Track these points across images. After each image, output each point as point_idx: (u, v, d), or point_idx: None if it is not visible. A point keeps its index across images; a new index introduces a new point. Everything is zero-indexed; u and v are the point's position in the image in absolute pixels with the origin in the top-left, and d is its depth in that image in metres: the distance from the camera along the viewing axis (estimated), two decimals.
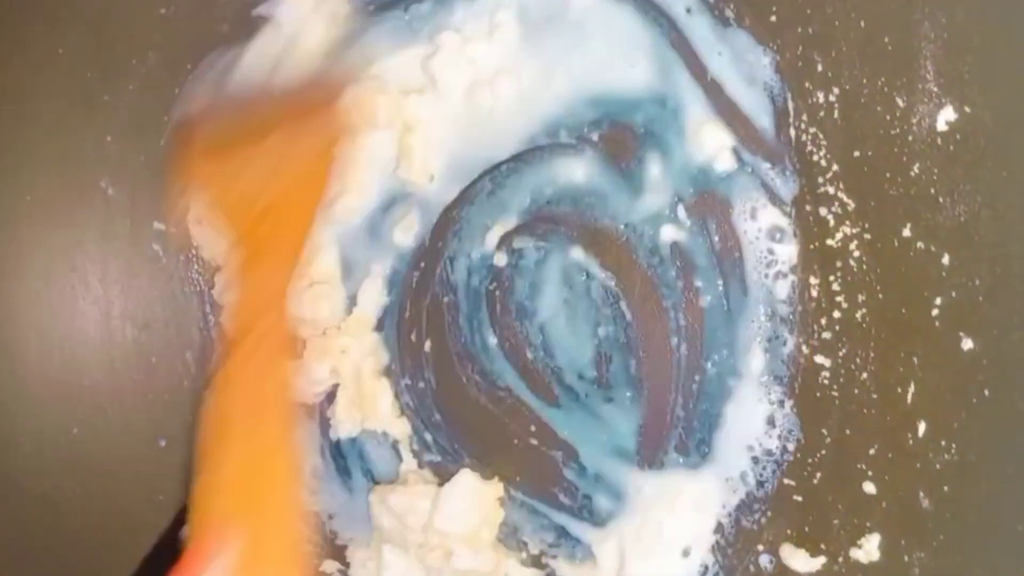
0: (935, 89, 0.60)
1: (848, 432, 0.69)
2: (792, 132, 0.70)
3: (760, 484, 0.73)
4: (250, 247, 0.73)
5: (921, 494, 0.63)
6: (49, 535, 0.82)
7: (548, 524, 0.78)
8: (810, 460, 0.71)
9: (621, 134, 0.75)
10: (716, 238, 0.73)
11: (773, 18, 0.68)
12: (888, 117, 0.63)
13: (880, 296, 0.66)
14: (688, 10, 0.72)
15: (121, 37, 0.82)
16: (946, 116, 0.60)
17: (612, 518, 0.76)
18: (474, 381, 0.79)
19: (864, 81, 0.64)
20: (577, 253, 0.76)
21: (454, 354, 0.80)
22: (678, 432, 0.75)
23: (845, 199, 0.67)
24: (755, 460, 0.73)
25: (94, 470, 0.85)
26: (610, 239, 0.75)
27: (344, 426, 0.82)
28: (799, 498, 0.72)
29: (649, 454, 0.76)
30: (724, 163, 0.72)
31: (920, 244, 0.63)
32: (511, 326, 0.79)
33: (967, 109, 0.58)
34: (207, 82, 0.79)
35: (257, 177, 0.72)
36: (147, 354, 0.88)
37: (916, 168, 0.62)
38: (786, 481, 0.71)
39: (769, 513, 0.73)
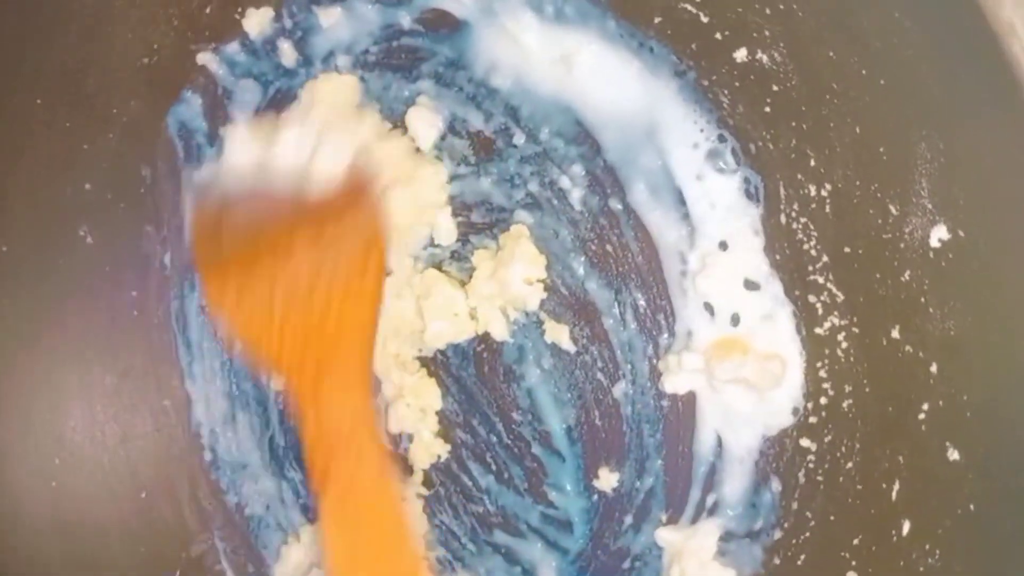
0: (929, 206, 0.61)
1: (832, 518, 0.70)
2: (783, 218, 0.71)
3: None
4: (308, 373, 0.67)
5: None
6: None
7: None
8: (794, 541, 0.72)
9: None
10: None
11: (767, 108, 0.69)
12: (880, 221, 0.64)
13: (867, 390, 0.68)
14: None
15: (103, 87, 0.80)
16: (939, 234, 0.60)
17: None
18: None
19: (857, 183, 0.65)
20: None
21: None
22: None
23: (834, 290, 0.69)
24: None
25: (76, 525, 0.84)
26: None
27: None
28: None
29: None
30: None
31: (908, 348, 0.64)
32: (499, 388, 0.80)
33: (961, 233, 0.59)
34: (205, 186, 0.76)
35: (294, 298, 0.67)
36: (126, 403, 0.88)
37: (907, 275, 0.63)
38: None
39: None
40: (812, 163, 0.67)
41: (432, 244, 0.80)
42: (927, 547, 0.63)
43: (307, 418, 0.66)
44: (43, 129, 0.83)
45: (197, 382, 0.89)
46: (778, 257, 0.71)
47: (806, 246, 0.70)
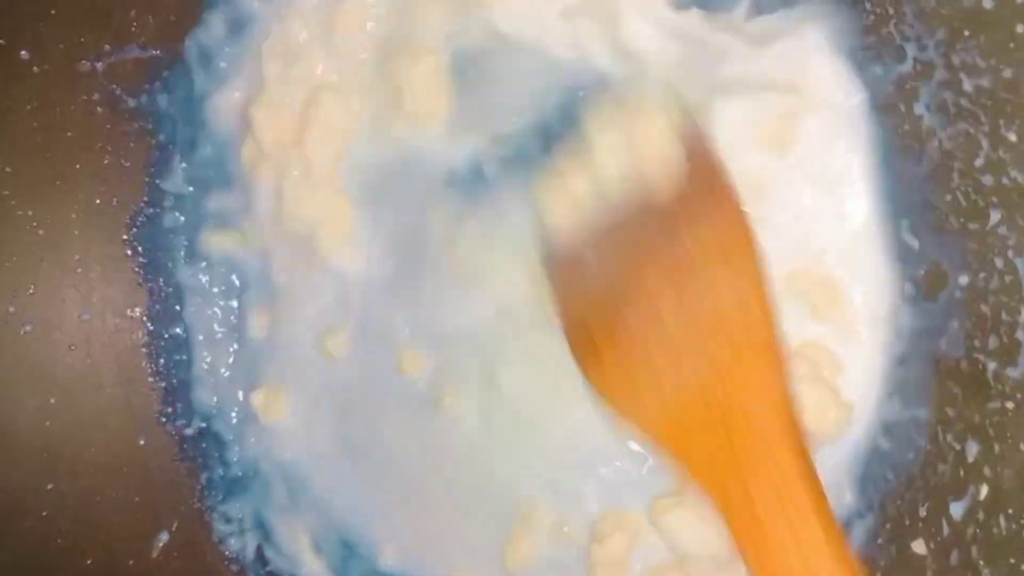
0: None
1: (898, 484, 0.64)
2: None
3: None
4: (723, 475, 0.51)
5: (981, 563, 0.59)
6: (16, 538, 0.76)
7: None
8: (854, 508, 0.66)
9: None
10: None
11: None
12: None
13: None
14: None
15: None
16: None
17: None
18: None
19: None
20: None
21: None
22: None
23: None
24: None
25: (67, 468, 0.79)
26: None
27: None
28: None
29: None
30: None
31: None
32: None
33: None
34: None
35: (670, 362, 0.52)
36: (128, 345, 0.82)
37: None
38: None
39: None
40: None
41: None
42: (1011, 511, 0.56)
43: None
44: (56, 42, 0.78)
45: (200, 324, 0.84)
46: None
47: None
